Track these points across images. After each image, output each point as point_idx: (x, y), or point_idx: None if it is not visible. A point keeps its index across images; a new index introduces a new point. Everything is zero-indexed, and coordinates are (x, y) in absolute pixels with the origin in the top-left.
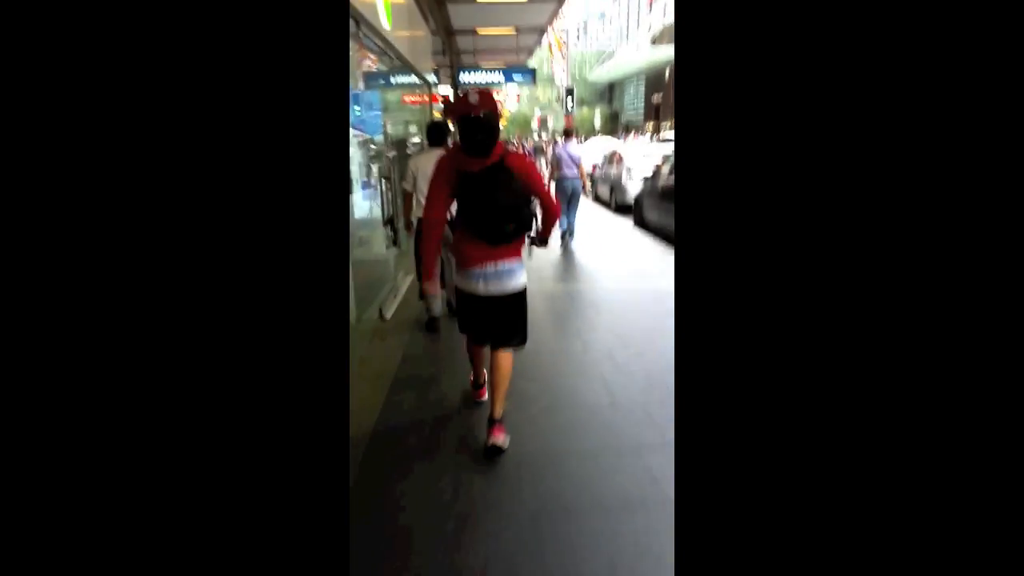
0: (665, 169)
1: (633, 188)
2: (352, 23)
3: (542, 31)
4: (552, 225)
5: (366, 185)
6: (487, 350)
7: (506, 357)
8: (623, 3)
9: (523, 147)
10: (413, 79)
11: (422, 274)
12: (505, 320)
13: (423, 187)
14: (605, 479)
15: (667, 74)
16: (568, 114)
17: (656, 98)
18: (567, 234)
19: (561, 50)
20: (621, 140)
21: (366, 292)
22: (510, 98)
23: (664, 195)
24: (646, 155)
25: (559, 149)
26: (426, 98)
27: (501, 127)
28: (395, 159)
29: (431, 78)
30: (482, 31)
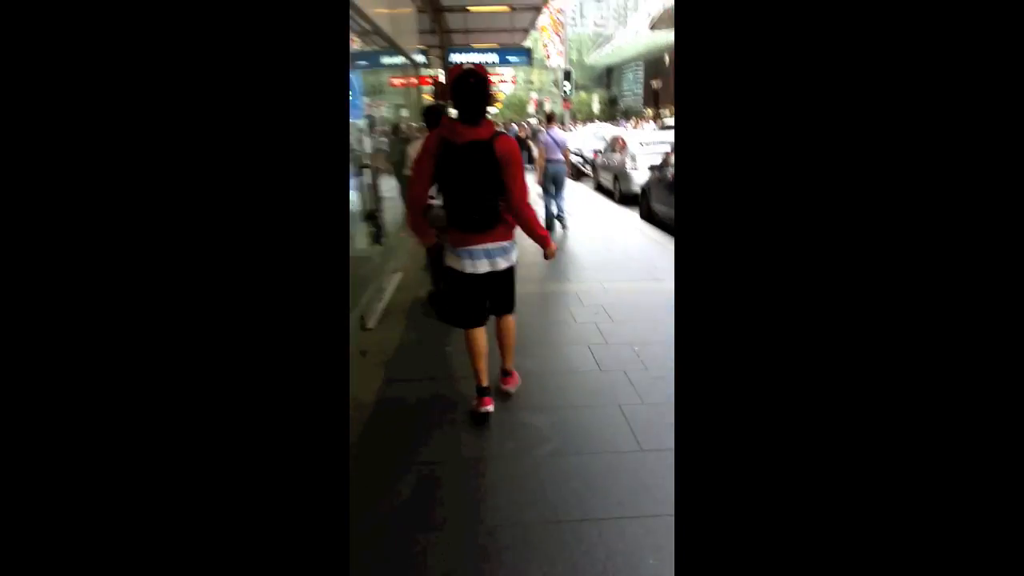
0: (674, 158)
1: (639, 177)
2: None
3: (538, 9)
4: (535, 227)
5: None
6: (484, 339)
7: (510, 320)
8: None
9: (525, 128)
10: (395, 58)
11: (418, 233)
12: (499, 292)
13: None
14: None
15: (667, 59)
16: (566, 99)
17: (656, 83)
18: (558, 219)
19: (558, 32)
20: (623, 126)
21: None
22: (505, 83)
23: (674, 186)
24: (651, 142)
25: (544, 136)
26: (413, 80)
27: (496, 110)
28: (376, 146)
29: (419, 58)
30: (474, 8)
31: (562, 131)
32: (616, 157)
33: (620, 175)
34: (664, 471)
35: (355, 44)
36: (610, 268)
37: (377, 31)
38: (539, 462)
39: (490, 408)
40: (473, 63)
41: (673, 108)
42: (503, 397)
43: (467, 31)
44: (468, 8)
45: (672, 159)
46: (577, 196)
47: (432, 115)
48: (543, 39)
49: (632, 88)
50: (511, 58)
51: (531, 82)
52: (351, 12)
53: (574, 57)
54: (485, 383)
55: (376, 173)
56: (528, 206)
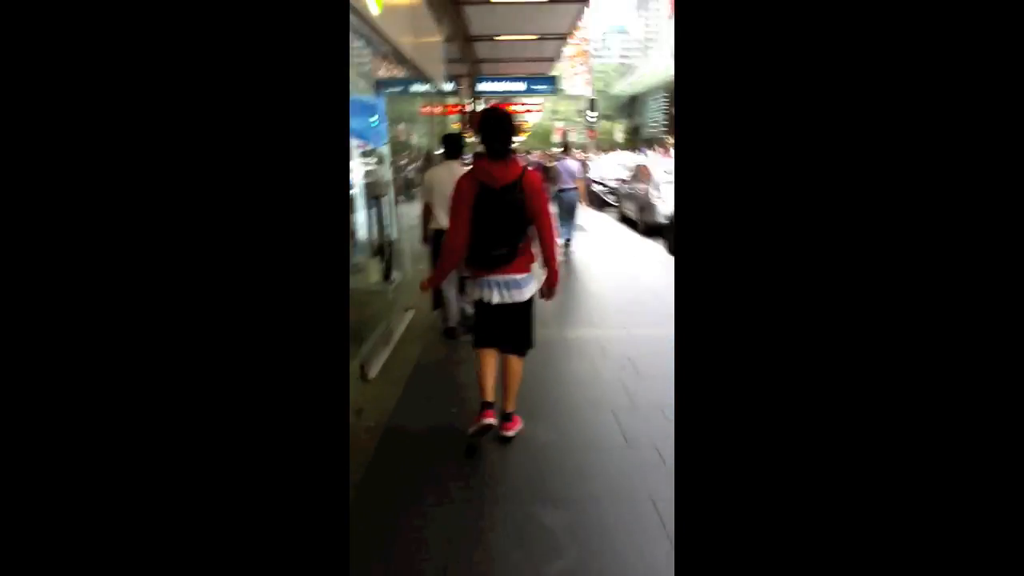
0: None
1: (664, 208)
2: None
3: (564, 38)
4: (552, 259)
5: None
6: (495, 360)
7: (516, 361)
8: (644, 17)
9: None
10: (423, 85)
11: (434, 277)
12: (513, 327)
13: (439, 200)
14: None
15: None
16: (591, 128)
17: None
18: (566, 244)
19: (584, 61)
20: (644, 154)
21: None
22: (532, 113)
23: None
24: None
25: (558, 165)
26: (438, 108)
27: (522, 138)
28: (393, 176)
29: (446, 87)
30: (501, 38)
31: (576, 161)
32: (640, 187)
33: (644, 205)
34: None
35: (383, 71)
36: (636, 310)
37: (401, 57)
38: None
39: (492, 421)
40: (496, 101)
41: None
42: (502, 441)
43: (495, 60)
44: (495, 37)
45: None
46: (600, 227)
47: (452, 143)
48: (569, 69)
49: (655, 116)
50: (537, 87)
51: (556, 111)
52: (378, 38)
53: (599, 87)
54: (490, 398)
55: (392, 205)
56: (553, 237)
